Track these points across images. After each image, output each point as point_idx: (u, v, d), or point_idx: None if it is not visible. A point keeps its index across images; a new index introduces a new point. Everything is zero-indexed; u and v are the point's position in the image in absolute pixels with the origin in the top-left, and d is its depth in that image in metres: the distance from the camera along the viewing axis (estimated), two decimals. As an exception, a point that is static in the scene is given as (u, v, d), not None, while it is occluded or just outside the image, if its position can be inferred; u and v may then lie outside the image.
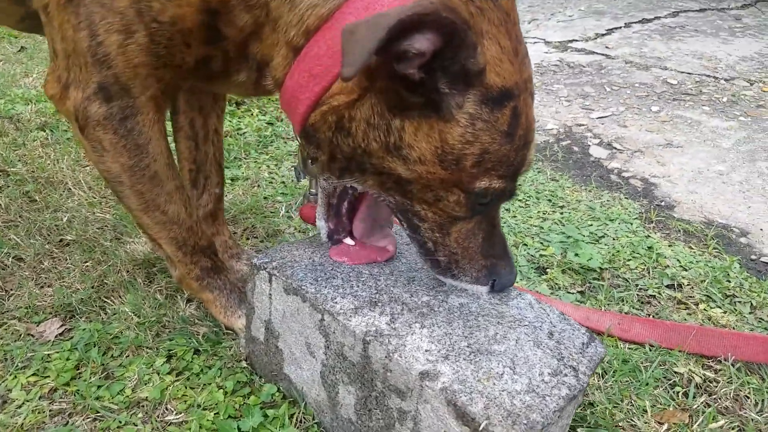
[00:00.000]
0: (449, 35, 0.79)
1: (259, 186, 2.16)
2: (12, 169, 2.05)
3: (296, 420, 1.17)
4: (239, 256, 1.61)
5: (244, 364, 1.32)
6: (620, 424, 1.21)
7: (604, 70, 3.54)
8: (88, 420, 1.15)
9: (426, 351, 0.97)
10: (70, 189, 1.97)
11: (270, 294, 1.18)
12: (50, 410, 1.16)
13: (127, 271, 1.57)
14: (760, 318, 1.59)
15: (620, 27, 4.38)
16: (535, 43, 4.05)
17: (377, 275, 1.17)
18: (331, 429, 1.15)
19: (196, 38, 1.01)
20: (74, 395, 1.20)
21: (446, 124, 0.89)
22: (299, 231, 1.87)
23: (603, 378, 1.34)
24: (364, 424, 1.07)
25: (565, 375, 0.96)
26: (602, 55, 3.81)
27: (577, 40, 4.08)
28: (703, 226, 2.05)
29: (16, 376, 1.23)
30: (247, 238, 1.84)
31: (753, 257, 1.90)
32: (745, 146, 2.60)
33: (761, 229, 2.03)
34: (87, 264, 1.61)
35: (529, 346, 1.01)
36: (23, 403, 1.17)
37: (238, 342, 1.35)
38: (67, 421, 1.15)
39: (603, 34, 4.22)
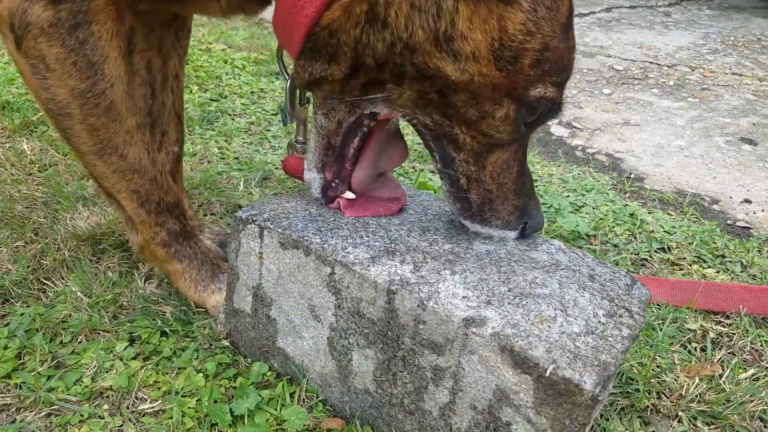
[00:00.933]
0: None
1: (209, 162, 1.95)
2: None
3: (298, 399, 1.00)
4: (200, 229, 1.40)
5: (225, 343, 1.13)
6: (651, 381, 1.12)
7: (551, 59, 3.58)
8: (41, 415, 0.92)
9: (464, 297, 0.84)
10: (-11, 164, 1.69)
11: (260, 253, 1.01)
12: (-8, 404, 0.92)
13: (69, 249, 1.34)
14: (753, 275, 1.57)
15: (560, 20, 4.49)
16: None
17: (386, 225, 1.02)
18: (341, 404, 0.99)
19: None
20: (20, 388, 0.97)
21: (507, 7, 0.75)
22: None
23: (617, 338, 1.25)
24: (385, 393, 0.91)
25: (621, 316, 0.86)
26: (546, 46, 3.87)
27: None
28: (675, 195, 2.05)
29: (-57, 368, 0.98)
30: (205, 214, 1.63)
31: (729, 222, 1.90)
32: (698, 124, 2.66)
33: (730, 197, 2.06)
34: (18, 243, 1.35)
35: (574, 289, 0.89)
36: (-45, 399, 0.93)
37: (216, 319, 1.16)
38: (14, 419, 0.91)
39: (544, 26, 4.30)
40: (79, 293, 1.19)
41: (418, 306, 0.83)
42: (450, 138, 0.88)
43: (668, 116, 2.73)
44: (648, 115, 2.74)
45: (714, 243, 1.70)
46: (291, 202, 1.07)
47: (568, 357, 0.74)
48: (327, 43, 0.82)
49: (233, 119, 2.29)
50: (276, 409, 0.97)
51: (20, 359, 1.04)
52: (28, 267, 1.26)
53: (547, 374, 0.73)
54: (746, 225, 1.89)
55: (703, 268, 1.59)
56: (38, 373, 1.00)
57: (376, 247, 0.94)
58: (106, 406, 0.97)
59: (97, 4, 0.86)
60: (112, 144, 0.97)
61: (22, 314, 1.13)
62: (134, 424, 0.93)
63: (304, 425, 0.94)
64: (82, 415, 0.93)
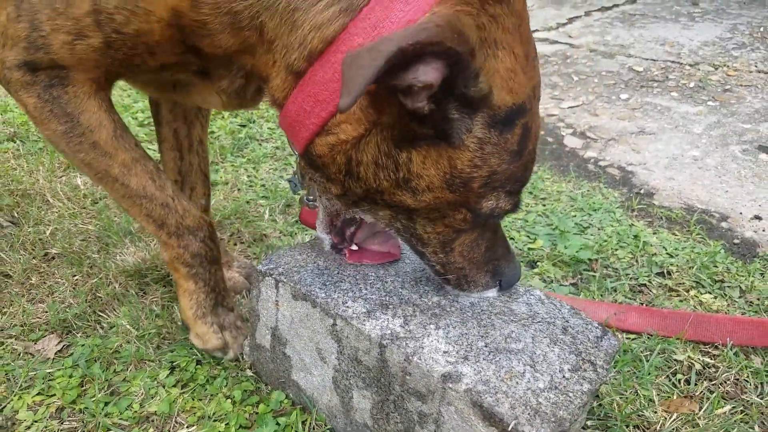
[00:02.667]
0: (455, 62, 0.76)
1: (239, 190, 2.12)
2: (-16, 182, 1.97)
3: (308, 426, 1.17)
4: (230, 264, 1.58)
5: (249, 372, 1.30)
6: (630, 416, 1.24)
7: (569, 60, 3.60)
8: (100, 439, 1.12)
9: (444, 352, 0.98)
10: (48, 201, 1.90)
11: (276, 300, 1.17)
12: (60, 430, 1.12)
13: (119, 283, 1.53)
14: (750, 301, 1.65)
15: (581, 16, 4.45)
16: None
17: (383, 277, 1.17)
18: (346, 434, 1.15)
19: (164, 50, 0.94)
20: (83, 413, 1.17)
21: (455, 150, 0.87)
22: (285, 234, 1.85)
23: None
24: (380, 428, 1.07)
25: (585, 370, 0.98)
26: (566, 44, 3.88)
27: (539, 30, 4.13)
28: (684, 212, 2.11)
29: (21, 397, 1.19)
30: (234, 244, 1.81)
31: (735, 241, 1.97)
32: (716, 131, 2.68)
33: (740, 213, 2.11)
34: (76, 278, 1.56)
35: (546, 343, 1.02)
36: (32, 424, 1.13)
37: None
38: (78, 442, 1.12)
39: (564, 24, 4.29)
40: (128, 326, 1.38)
41: (404, 360, 0.98)
42: (418, 238, 1.03)
43: (685, 123, 2.76)
44: (665, 122, 2.77)
45: (715, 267, 1.78)
46: (302, 254, 1.23)
47: (529, 414, 0.88)
48: (320, 167, 0.97)
49: (260, 144, 2.46)
50: (291, 436, 1.14)
51: (82, 386, 1.24)
52: (86, 301, 1.46)
53: (509, 429, 0.87)
54: (753, 243, 1.95)
55: (701, 293, 1.67)
56: (97, 399, 1.20)
57: (372, 300, 1.09)
58: (151, 430, 1.16)
59: (75, 77, 0.98)
60: (110, 175, 1.09)
61: (82, 345, 1.33)
62: (174, 448, 1.12)
63: (313, 452, 1.11)
64: (132, 440, 1.12)
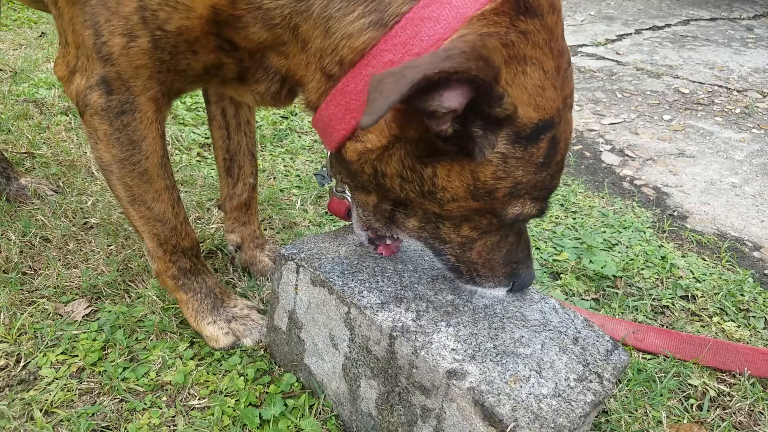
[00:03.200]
0: (480, 87, 0.78)
1: (275, 178, 2.17)
2: (38, 151, 2.07)
3: (315, 411, 1.20)
4: (263, 246, 1.63)
5: (263, 352, 1.34)
6: (634, 432, 1.23)
7: (615, 77, 3.55)
8: (115, 401, 1.17)
9: (452, 350, 0.99)
10: (93, 174, 1.99)
11: (296, 284, 1.20)
12: (79, 389, 1.18)
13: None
14: (773, 333, 1.61)
15: (631, 33, 4.38)
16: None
17: (401, 271, 1.19)
18: (349, 422, 1.18)
19: (204, 47, 0.99)
20: (101, 376, 1.22)
21: (478, 164, 0.89)
22: (314, 224, 1.89)
23: (618, 386, 1.36)
24: (384, 419, 1.09)
25: (590, 381, 0.99)
26: (613, 61, 3.82)
27: (587, 45, 4.08)
28: (716, 238, 2.07)
29: (45, 354, 1.25)
30: (265, 229, 1.86)
31: (766, 272, 1.92)
32: (758, 159, 2.61)
33: (773, 244, 2.06)
34: (111, 247, 1.63)
35: (554, 351, 1.03)
36: (53, 381, 1.19)
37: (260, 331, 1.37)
38: (95, 401, 1.17)
39: (613, 40, 4.23)
40: (155, 297, 1.44)
41: (412, 353, 1.00)
42: (440, 240, 1.06)
43: (727, 149, 2.70)
44: (706, 147, 2.72)
45: (741, 295, 1.74)
46: (326, 242, 1.26)
47: (529, 417, 0.89)
48: (353, 172, 1.00)
49: (300, 137, 2.51)
50: (297, 418, 1.17)
51: (104, 350, 1.30)
52: (117, 270, 1.53)
53: (508, 431, 0.88)
54: (784, 276, 1.90)
55: (724, 321, 1.64)
56: (117, 363, 1.26)
57: (387, 292, 1.11)
58: (164, 398, 1.21)
59: (140, 99, 1.06)
60: (141, 198, 1.18)
61: (109, 312, 1.39)
62: (184, 416, 1.16)
63: (317, 435, 1.13)
64: (145, 405, 1.17)
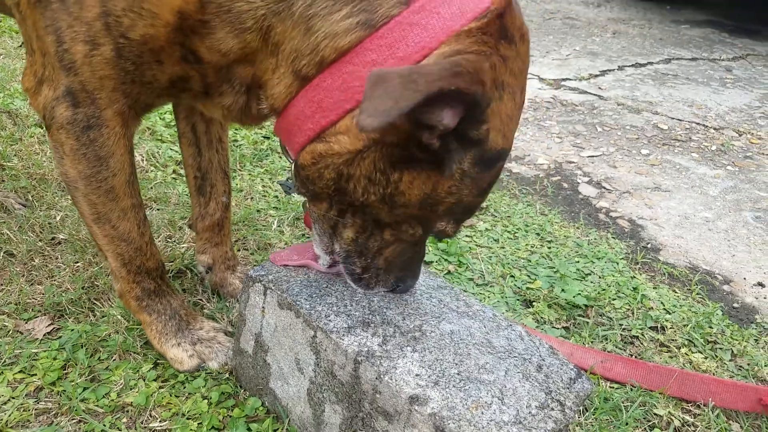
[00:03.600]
0: (472, 109, 0.81)
1: (252, 198, 2.17)
2: (8, 163, 2.05)
3: (280, 436, 1.17)
4: (234, 268, 1.61)
5: (228, 375, 1.32)
6: (599, 462, 1.22)
7: (596, 110, 3.62)
8: (73, 422, 1.14)
9: (416, 375, 0.99)
10: (63, 188, 1.97)
11: (263, 307, 1.19)
12: (36, 409, 1.15)
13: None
14: (740, 366, 1.62)
15: (614, 69, 4.49)
16: (530, 78, 4.14)
17: (371, 296, 1.18)
18: (314, 447, 1.16)
19: (170, 57, 0.96)
20: (60, 396, 1.19)
21: (442, 177, 0.92)
22: (289, 246, 1.88)
23: (584, 415, 1.35)
24: (348, 445, 1.08)
25: (552, 409, 0.98)
26: (595, 95, 3.91)
27: (570, 79, 4.17)
28: (687, 271, 2.10)
29: (2, 373, 1.22)
30: (238, 250, 1.84)
31: (735, 305, 1.94)
32: (731, 195, 2.67)
33: (744, 278, 2.08)
34: (78, 264, 1.60)
35: (518, 378, 1.02)
36: (8, 400, 1.16)
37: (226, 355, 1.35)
38: (52, 421, 1.14)
39: (597, 75, 4.33)
40: (120, 317, 1.41)
41: (376, 378, 0.99)
42: (362, 246, 1.07)
43: (702, 184, 2.75)
44: (681, 181, 2.77)
45: (710, 328, 1.75)
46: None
47: (488, 443, 0.88)
48: (306, 180, 1.00)
49: (281, 158, 2.51)
50: (260, 443, 1.15)
51: (65, 369, 1.27)
52: (83, 288, 1.50)
53: (467, 456, 0.87)
54: (753, 309, 1.92)
55: (692, 352, 1.65)
56: (76, 383, 1.23)
57: (355, 317, 1.11)
58: (124, 420, 1.18)
59: (107, 114, 1.03)
60: (106, 217, 1.15)
61: (72, 330, 1.36)
62: (144, 439, 1.14)
63: (279, 461, 1.11)
64: (104, 426, 1.14)
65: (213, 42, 0.92)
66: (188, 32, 0.92)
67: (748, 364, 1.62)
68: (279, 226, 1.99)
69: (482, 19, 0.85)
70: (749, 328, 1.80)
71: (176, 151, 2.41)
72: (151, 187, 2.09)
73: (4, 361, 1.24)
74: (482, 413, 0.93)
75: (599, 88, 4.02)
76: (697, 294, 1.95)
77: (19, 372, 1.23)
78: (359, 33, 0.86)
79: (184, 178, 2.22)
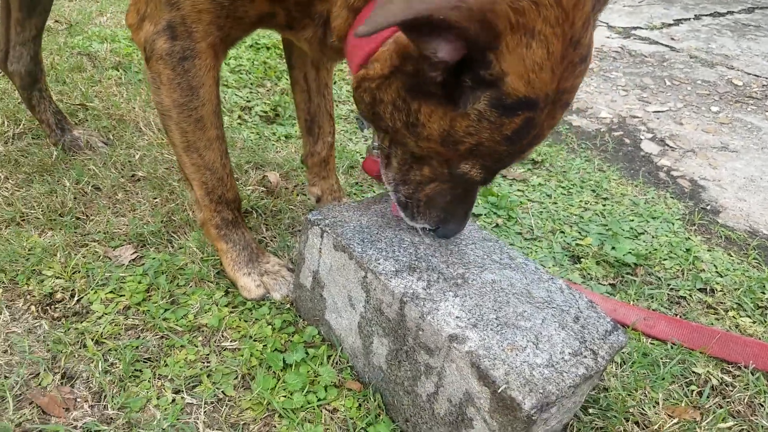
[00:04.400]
0: (473, 46, 0.84)
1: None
2: (90, 104, 2.22)
3: (333, 361, 1.30)
4: (340, 199, 1.80)
5: (289, 306, 1.46)
6: (631, 410, 1.29)
7: (666, 63, 3.47)
8: (157, 337, 1.31)
9: (456, 317, 1.08)
10: (141, 129, 2.13)
11: (320, 248, 1.30)
12: (125, 324, 1.33)
13: (192, 211, 1.72)
14: (788, 332, 1.62)
15: (689, 18, 4.23)
16: (598, 26, 3.97)
17: (418, 243, 1.27)
18: (362, 373, 1.28)
19: None
20: (145, 315, 1.36)
21: (458, 114, 0.96)
22: (344, 193, 1.98)
23: (621, 367, 1.41)
24: (392, 373, 1.19)
25: (585, 356, 1.05)
26: (666, 46, 3.72)
27: (641, 28, 3.97)
28: (746, 235, 2.06)
29: (96, 292, 1.40)
30: (297, 195, 1.96)
31: (792, 272, 1.91)
32: (805, 159, 2.55)
33: (806, 245, 2.03)
34: (156, 200, 1.76)
35: (554, 327, 1.10)
36: (102, 315, 1.34)
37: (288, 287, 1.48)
38: (139, 336, 1.31)
39: (670, 24, 4.09)
40: (195, 249, 1.57)
41: (419, 317, 1.08)
42: (407, 168, 1.16)
43: (774, 146, 2.64)
44: (751, 142, 2.66)
45: (762, 293, 1.75)
46: (349, 211, 1.35)
47: (520, 381, 0.97)
48: (358, 101, 1.11)
49: (337, 106, 2.59)
50: (316, 365, 1.28)
51: (148, 293, 1.44)
52: (161, 221, 1.67)
53: (499, 391, 0.96)
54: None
55: (740, 315, 1.66)
56: (159, 305, 1.39)
57: (402, 261, 1.20)
58: (200, 338, 1.34)
59: (201, 46, 1.17)
60: (194, 145, 1.29)
61: (153, 258, 1.53)
62: (217, 355, 1.29)
63: (331, 381, 1.25)
64: (183, 343, 1.30)
65: None
66: None
67: (797, 331, 1.62)
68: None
69: None
70: (804, 295, 1.77)
71: (241, 97, 2.53)
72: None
73: (98, 282, 1.42)
74: (516, 355, 1.02)
75: (672, 38, 3.82)
76: (754, 259, 1.93)
77: (110, 292, 1.41)
78: None
79: (248, 123, 2.35)
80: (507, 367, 0.99)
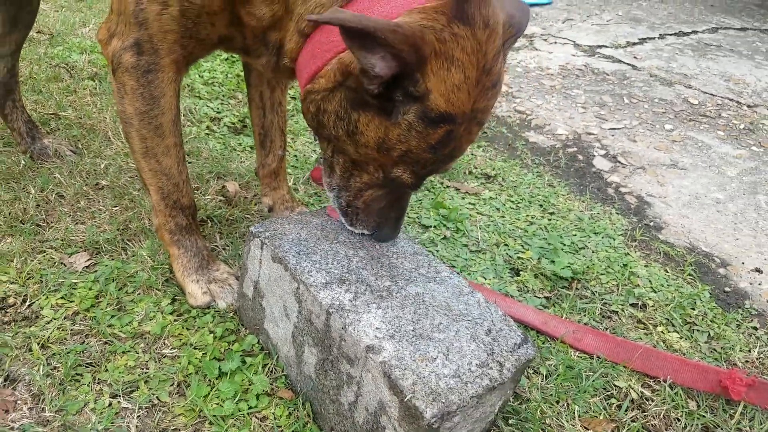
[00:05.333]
0: (404, 65, 0.98)
1: (277, 156, 2.34)
2: (63, 113, 2.28)
3: (268, 370, 1.38)
4: (293, 209, 1.89)
5: (232, 315, 1.53)
6: (548, 421, 1.38)
7: (626, 81, 3.59)
8: (100, 343, 1.37)
9: (376, 328, 1.16)
10: (110, 138, 2.19)
11: (260, 259, 1.38)
12: (71, 330, 1.39)
13: (149, 220, 1.79)
14: (714, 348, 1.71)
15: (654, 38, 4.37)
16: (564, 44, 4.10)
17: (351, 256, 1.35)
18: (295, 382, 1.36)
19: (220, 20, 1.22)
20: (91, 320, 1.43)
21: (391, 124, 1.10)
22: (302, 204, 2.06)
23: (546, 379, 1.50)
24: (320, 382, 1.27)
25: (491, 368, 1.14)
26: (628, 65, 3.85)
27: (606, 47, 4.10)
28: (685, 252, 2.16)
29: (48, 297, 1.46)
30: (255, 204, 2.03)
31: (726, 289, 2.01)
32: (749, 177, 2.67)
33: (743, 263, 2.14)
34: (116, 208, 1.83)
35: (465, 339, 1.18)
36: (51, 321, 1.40)
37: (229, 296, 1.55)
38: (84, 341, 1.38)
39: (635, 43, 4.23)
40: (147, 257, 1.64)
41: (342, 328, 1.16)
42: (347, 175, 1.28)
43: (721, 164, 2.75)
44: (700, 159, 2.77)
45: (692, 309, 1.84)
46: (291, 224, 1.43)
47: (425, 391, 1.05)
48: (305, 114, 1.24)
49: (303, 119, 2.66)
50: (251, 374, 1.36)
51: (97, 299, 1.50)
52: (118, 229, 1.73)
53: (405, 400, 1.04)
54: (743, 294, 1.98)
55: (668, 331, 1.76)
56: (105, 311, 1.46)
57: (334, 274, 1.28)
58: (142, 345, 1.40)
59: (164, 61, 1.28)
60: (153, 151, 1.39)
61: (106, 265, 1.60)
62: (156, 362, 1.36)
63: (264, 390, 1.32)
64: (125, 349, 1.37)
65: (252, 9, 1.19)
66: (235, 1, 1.19)
67: (722, 348, 1.71)
68: (294, 184, 2.16)
69: (440, 1, 1.03)
70: (734, 312, 1.87)
71: (212, 108, 2.60)
72: (186, 141, 2.28)
73: (50, 288, 1.49)
74: (426, 365, 1.10)
75: (634, 57, 3.95)
76: (689, 275, 2.03)
77: (61, 298, 1.47)
78: (339, 3, 1.10)
79: (216, 134, 2.42)
80: (415, 377, 1.07)
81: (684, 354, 1.68)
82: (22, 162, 1.95)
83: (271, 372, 1.38)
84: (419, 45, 0.97)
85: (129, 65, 1.28)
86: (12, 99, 1.99)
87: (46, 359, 1.31)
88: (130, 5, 1.21)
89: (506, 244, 2.03)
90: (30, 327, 1.39)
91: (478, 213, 2.19)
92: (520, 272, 1.90)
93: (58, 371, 1.29)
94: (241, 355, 1.40)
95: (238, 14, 1.20)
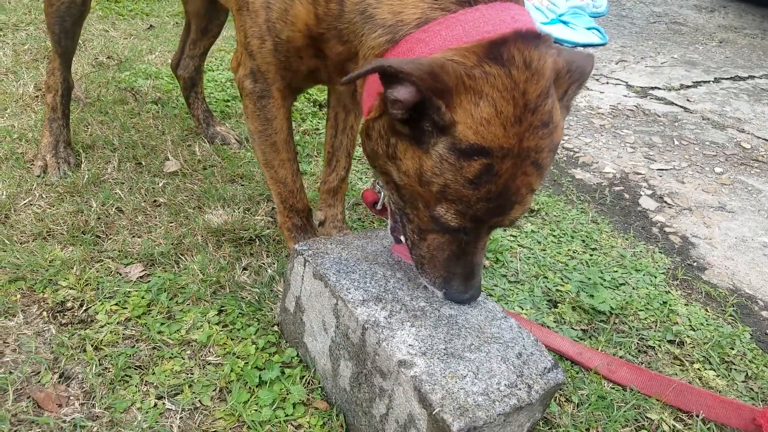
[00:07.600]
0: (424, 91, 1.04)
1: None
2: (127, 134, 2.46)
3: (305, 381, 1.44)
4: (341, 229, 1.99)
5: (275, 328, 1.60)
6: (576, 447, 1.38)
7: (677, 123, 3.56)
8: (149, 347, 1.47)
9: (409, 345, 1.21)
10: (168, 159, 2.34)
11: (303, 275, 1.45)
12: (123, 334, 1.49)
13: (201, 236, 1.90)
14: (751, 388, 1.68)
15: (709, 81, 4.32)
16: (617, 85, 4.10)
17: (389, 277, 1.41)
18: (330, 394, 1.41)
19: (306, 54, 1.38)
20: (142, 327, 1.53)
21: (423, 154, 1.13)
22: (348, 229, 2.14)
23: (577, 408, 1.50)
24: (354, 395, 1.32)
25: (519, 389, 1.16)
26: (681, 107, 3.81)
27: (659, 88, 4.08)
28: (727, 293, 2.12)
29: (103, 303, 1.58)
30: (304, 226, 2.12)
31: (768, 331, 1.96)
32: (801, 223, 2.59)
33: (787, 307, 2.08)
34: (171, 224, 1.95)
35: (496, 360, 1.21)
36: (104, 325, 1.51)
37: (274, 311, 1.63)
38: (134, 345, 1.47)
39: (688, 86, 4.19)
40: (197, 270, 1.74)
41: (376, 343, 1.22)
42: (404, 213, 1.28)
43: (772, 209, 2.69)
44: (749, 203, 2.72)
45: (731, 348, 1.81)
46: (333, 244, 1.50)
47: (453, 405, 1.09)
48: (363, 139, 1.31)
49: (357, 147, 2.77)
50: (289, 384, 1.42)
51: (149, 308, 1.61)
52: (172, 244, 1.85)
53: (434, 413, 1.08)
54: (789, 339, 1.93)
55: (705, 368, 1.73)
56: (156, 319, 1.56)
57: (371, 292, 1.34)
58: (188, 351, 1.49)
59: (272, 89, 1.49)
60: (271, 163, 1.61)
61: (159, 277, 1.71)
62: (201, 368, 1.44)
63: (300, 399, 1.38)
64: (172, 354, 1.46)
65: (329, 46, 1.32)
66: (315, 39, 1.32)
67: (760, 387, 1.67)
68: (340, 208, 2.25)
69: (475, 42, 1.08)
70: (776, 355, 1.82)
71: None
72: (241, 165, 2.41)
73: (105, 295, 1.60)
74: (456, 382, 1.13)
75: (687, 99, 3.91)
76: (730, 315, 1.99)
77: (115, 305, 1.58)
78: (387, 46, 1.20)
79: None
80: (445, 392, 1.11)
81: (720, 392, 1.64)
82: (86, 177, 2.11)
83: (308, 383, 1.44)
84: (437, 73, 1.02)
85: (248, 90, 1.50)
86: (195, 91, 2.53)
87: (99, 360, 1.41)
88: (242, 39, 1.42)
89: (545, 277, 2.04)
90: (85, 330, 1.50)
91: (519, 245, 2.21)
92: (558, 304, 1.91)
93: (108, 372, 1.38)
94: (280, 366, 1.46)
95: (321, 49, 1.34)
